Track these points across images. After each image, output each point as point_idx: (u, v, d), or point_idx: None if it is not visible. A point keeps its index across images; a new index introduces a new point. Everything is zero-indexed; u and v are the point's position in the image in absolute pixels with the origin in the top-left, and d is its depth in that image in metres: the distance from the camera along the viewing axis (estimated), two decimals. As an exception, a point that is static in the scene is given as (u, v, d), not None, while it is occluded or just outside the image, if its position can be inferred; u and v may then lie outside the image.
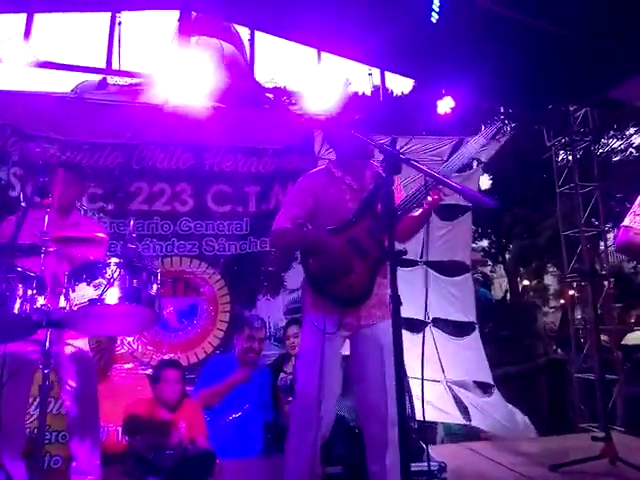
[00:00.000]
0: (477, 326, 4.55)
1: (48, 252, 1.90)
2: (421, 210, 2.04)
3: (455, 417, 4.01)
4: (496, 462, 3.14)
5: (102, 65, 4.11)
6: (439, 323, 4.36)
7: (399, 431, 1.32)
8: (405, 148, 4.43)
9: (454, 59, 3.79)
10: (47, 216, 1.98)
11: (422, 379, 1.70)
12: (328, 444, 2.73)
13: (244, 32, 4.57)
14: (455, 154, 2.13)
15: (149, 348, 3.52)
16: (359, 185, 2.10)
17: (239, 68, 4.98)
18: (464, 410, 4.12)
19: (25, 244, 1.88)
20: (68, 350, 2.26)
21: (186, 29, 4.66)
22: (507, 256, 15.31)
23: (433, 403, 3.82)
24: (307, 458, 1.98)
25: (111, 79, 4.40)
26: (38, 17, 4.03)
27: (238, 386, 3.55)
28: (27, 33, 3.94)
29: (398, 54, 4.25)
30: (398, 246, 2.03)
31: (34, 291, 1.88)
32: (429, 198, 1.98)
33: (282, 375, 3.73)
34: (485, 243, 15.48)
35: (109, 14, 4.15)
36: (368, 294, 2.01)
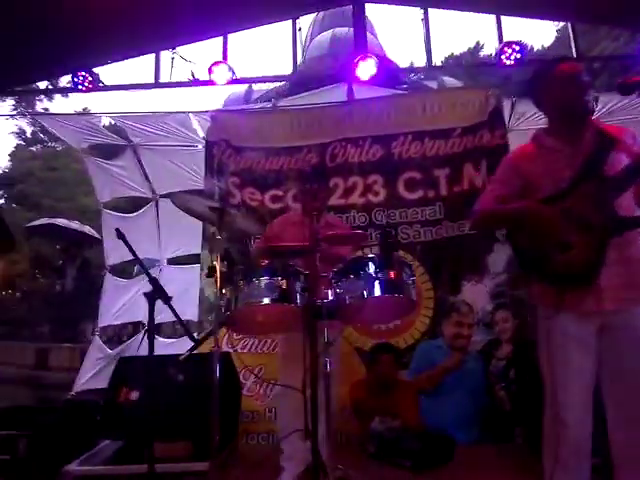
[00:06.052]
0: None
1: (316, 251, 2.07)
2: None
3: None
4: None
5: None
6: None
7: None
8: (610, 105, 3.92)
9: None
10: (307, 219, 2.18)
11: None
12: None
13: (416, 13, 4.46)
14: None
15: (361, 334, 3.68)
16: (576, 149, 1.82)
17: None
18: None
19: (296, 245, 2.07)
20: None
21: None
22: None
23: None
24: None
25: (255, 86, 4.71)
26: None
27: (451, 372, 3.56)
28: (224, 54, 4.41)
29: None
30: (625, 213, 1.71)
31: (307, 286, 2.09)
32: None
33: (494, 361, 3.64)
34: None
35: (290, 23, 4.44)
36: (595, 272, 1.70)
